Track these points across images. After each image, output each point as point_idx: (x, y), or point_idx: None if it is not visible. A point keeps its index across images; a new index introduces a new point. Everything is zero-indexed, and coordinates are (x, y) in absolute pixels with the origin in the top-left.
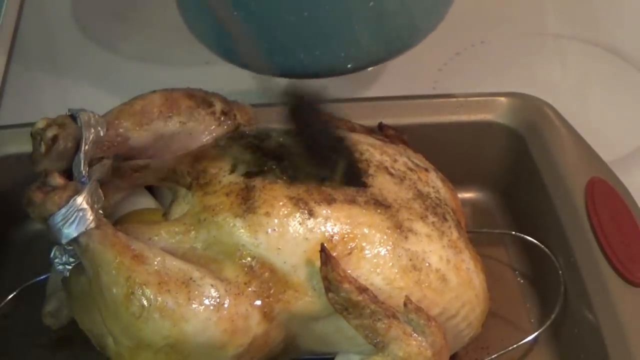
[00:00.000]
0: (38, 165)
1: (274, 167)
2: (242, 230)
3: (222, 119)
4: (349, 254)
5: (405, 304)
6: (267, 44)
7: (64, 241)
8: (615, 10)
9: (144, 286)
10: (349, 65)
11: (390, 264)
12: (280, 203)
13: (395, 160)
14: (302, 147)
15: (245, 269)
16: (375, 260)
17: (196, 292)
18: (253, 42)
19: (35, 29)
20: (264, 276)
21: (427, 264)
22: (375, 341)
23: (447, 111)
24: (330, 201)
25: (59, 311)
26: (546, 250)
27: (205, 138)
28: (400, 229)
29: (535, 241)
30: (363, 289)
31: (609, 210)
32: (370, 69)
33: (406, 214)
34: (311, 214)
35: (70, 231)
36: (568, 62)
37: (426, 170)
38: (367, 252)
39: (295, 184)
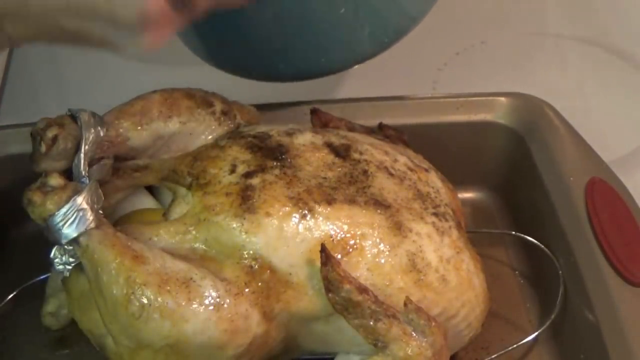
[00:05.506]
0: (38, 165)
1: (274, 167)
2: (242, 231)
3: (222, 119)
4: (349, 254)
5: (405, 304)
6: (247, 54)
7: (64, 241)
8: (615, 10)
9: (143, 286)
10: (331, 67)
11: (390, 264)
12: (280, 203)
13: (396, 160)
14: None
15: (245, 269)
16: (375, 260)
17: (196, 293)
18: (237, 50)
19: None
20: (264, 276)
21: (427, 264)
22: (375, 341)
23: (447, 111)
24: (330, 201)
25: (59, 311)
26: (546, 250)
27: (205, 138)
28: (400, 229)
29: (535, 241)
30: (363, 289)
31: (609, 210)
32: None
33: (406, 214)
34: (311, 214)
35: (70, 231)
36: (568, 62)
37: (426, 170)
38: (367, 252)
39: (295, 184)
